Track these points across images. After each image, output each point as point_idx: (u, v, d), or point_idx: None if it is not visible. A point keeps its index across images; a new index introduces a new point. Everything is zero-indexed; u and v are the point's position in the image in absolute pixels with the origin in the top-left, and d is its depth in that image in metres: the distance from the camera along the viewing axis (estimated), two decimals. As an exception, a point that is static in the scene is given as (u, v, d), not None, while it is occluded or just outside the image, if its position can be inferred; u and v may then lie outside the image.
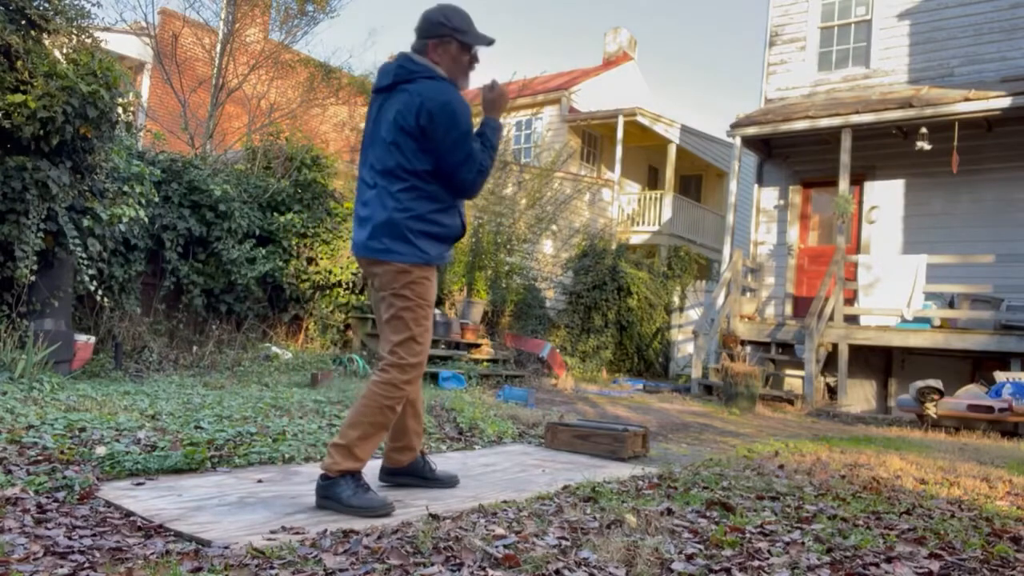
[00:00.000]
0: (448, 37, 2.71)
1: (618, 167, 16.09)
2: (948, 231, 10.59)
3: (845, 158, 10.35)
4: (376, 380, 2.68)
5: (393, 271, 2.68)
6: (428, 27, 2.73)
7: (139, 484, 2.78)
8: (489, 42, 2.79)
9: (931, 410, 7.87)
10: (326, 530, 2.25)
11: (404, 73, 2.70)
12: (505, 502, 2.78)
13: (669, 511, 2.68)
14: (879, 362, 10.78)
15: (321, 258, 9.08)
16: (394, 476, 3.05)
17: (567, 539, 2.23)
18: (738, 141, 11.47)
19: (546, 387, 9.42)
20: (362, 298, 9.18)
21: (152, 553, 1.99)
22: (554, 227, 13.45)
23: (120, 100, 6.15)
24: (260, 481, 2.99)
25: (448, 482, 3.09)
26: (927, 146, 10.02)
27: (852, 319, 10.29)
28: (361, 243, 2.72)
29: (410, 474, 3.05)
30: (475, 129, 2.75)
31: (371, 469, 3.09)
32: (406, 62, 2.73)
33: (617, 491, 3.06)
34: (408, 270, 2.67)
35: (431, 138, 2.62)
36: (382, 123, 2.71)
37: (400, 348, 2.69)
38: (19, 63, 5.58)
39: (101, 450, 3.11)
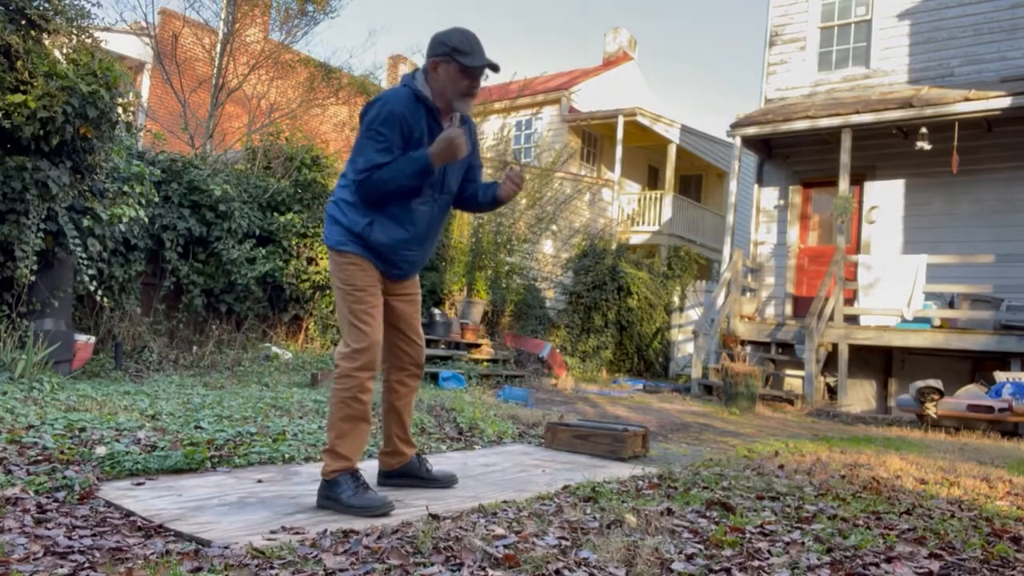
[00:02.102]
0: (447, 57, 2.71)
1: (618, 167, 16.09)
2: (948, 231, 10.59)
3: (845, 158, 10.35)
4: (333, 376, 2.73)
5: (330, 254, 2.83)
6: (432, 46, 2.78)
7: (139, 484, 2.78)
8: (490, 65, 2.74)
9: (931, 410, 7.87)
10: (326, 530, 2.25)
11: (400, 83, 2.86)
12: (505, 502, 2.78)
13: (669, 511, 2.68)
14: (879, 362, 10.78)
15: (321, 258, 9.08)
16: (389, 478, 3.07)
17: (567, 539, 2.23)
18: (738, 141, 11.47)
19: (546, 387, 9.42)
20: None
21: (152, 553, 1.99)
22: (554, 227, 13.45)
23: (120, 100, 6.15)
24: (260, 481, 2.99)
25: (446, 482, 3.10)
26: (927, 146, 10.02)
27: (852, 319, 10.29)
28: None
29: (405, 475, 3.06)
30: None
31: (372, 468, 3.09)
32: (407, 75, 2.84)
33: (617, 491, 3.06)
34: (333, 256, 2.80)
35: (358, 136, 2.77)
36: None
37: (346, 336, 2.73)
38: (19, 63, 5.59)
39: (101, 450, 3.10)
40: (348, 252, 2.75)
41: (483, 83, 2.88)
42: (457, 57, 2.70)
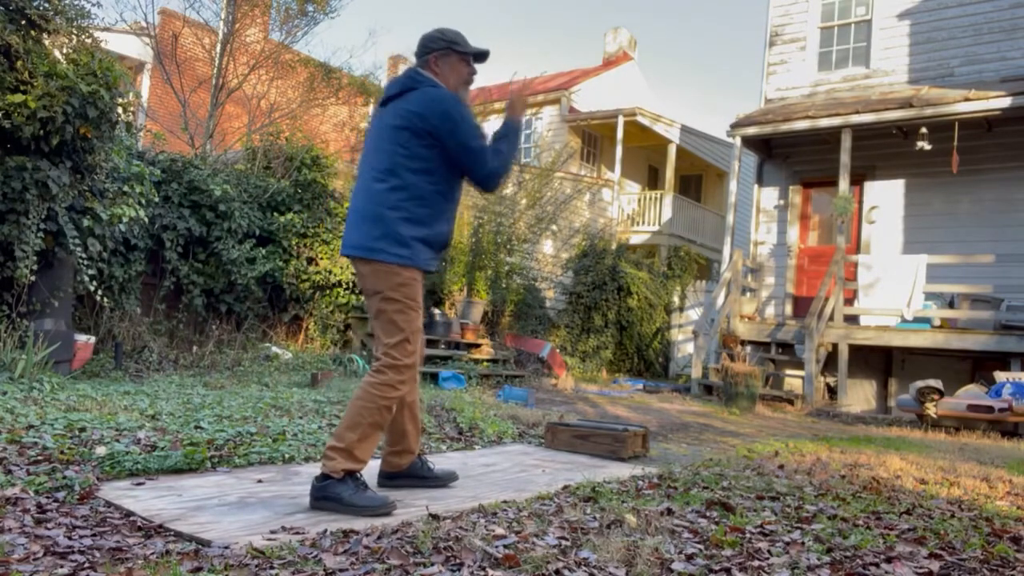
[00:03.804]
0: (447, 49, 2.85)
1: (618, 167, 16.09)
2: (948, 231, 10.59)
3: (845, 158, 10.35)
4: (372, 381, 2.68)
5: (382, 271, 2.70)
6: (427, 43, 2.89)
7: (139, 484, 2.78)
8: (483, 53, 2.92)
9: (931, 410, 7.87)
10: (326, 530, 2.25)
11: (411, 83, 2.82)
12: (505, 502, 2.78)
13: (669, 511, 2.68)
14: (879, 362, 10.78)
15: (321, 258, 9.08)
16: (393, 480, 3.03)
17: (567, 539, 2.23)
18: (738, 141, 11.47)
19: (546, 387, 9.42)
20: (362, 298, 9.18)
21: (152, 553, 1.99)
22: (554, 227, 13.45)
23: (120, 100, 6.15)
24: (260, 481, 2.98)
25: (446, 479, 3.09)
26: (927, 146, 10.02)
27: (852, 319, 10.28)
28: (351, 242, 2.76)
29: (409, 476, 3.05)
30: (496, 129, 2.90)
31: (370, 470, 3.08)
32: (414, 73, 2.86)
33: (617, 491, 3.06)
34: (397, 271, 2.70)
35: (439, 139, 2.71)
36: (386, 128, 2.77)
37: (394, 350, 2.70)
38: (19, 63, 5.58)
39: (101, 450, 3.10)
40: (411, 267, 2.71)
41: (477, 79, 3.00)
42: (456, 48, 2.86)
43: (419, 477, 3.05)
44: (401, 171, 2.70)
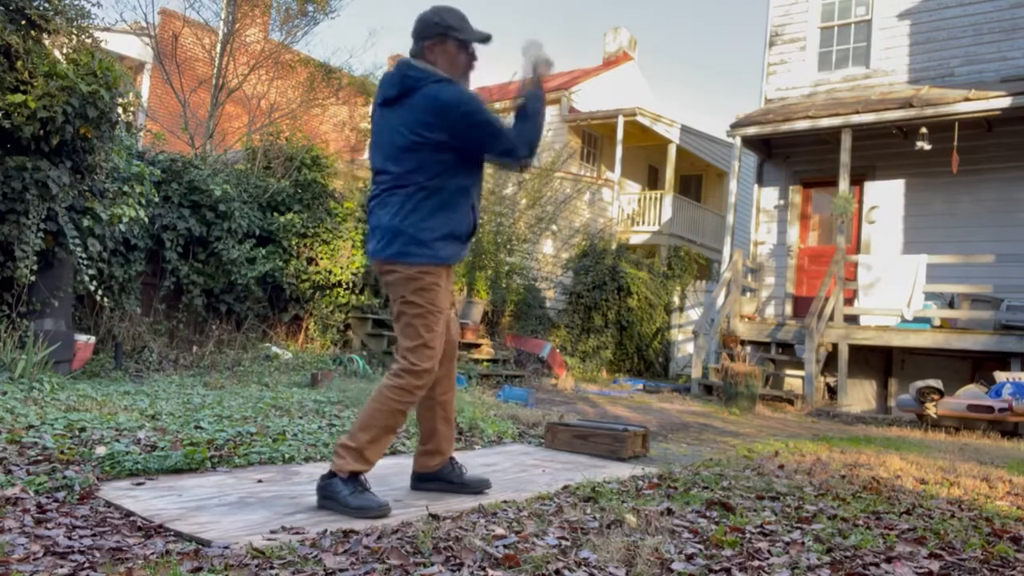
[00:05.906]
0: (444, 36, 2.65)
1: (618, 167, 16.09)
2: (948, 231, 10.59)
3: (845, 158, 10.35)
4: (389, 384, 2.64)
5: (404, 276, 2.63)
6: (423, 28, 2.67)
7: (139, 484, 2.78)
8: (485, 38, 2.71)
9: (931, 410, 7.87)
10: (326, 530, 2.25)
11: (411, 82, 2.63)
12: (505, 502, 2.78)
13: (669, 511, 2.68)
14: (879, 362, 10.78)
15: (321, 258, 9.08)
16: (424, 482, 2.98)
17: (567, 539, 2.23)
18: (738, 141, 11.47)
19: (546, 387, 9.42)
20: (362, 298, 9.19)
21: (152, 553, 1.99)
22: (554, 227, 13.45)
23: (120, 100, 6.15)
24: (260, 481, 2.98)
25: (477, 487, 2.99)
26: (927, 146, 10.02)
27: (852, 319, 10.28)
28: (374, 249, 2.70)
29: (439, 479, 2.98)
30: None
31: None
32: (409, 70, 2.66)
33: (617, 491, 3.06)
34: (404, 272, 2.63)
35: (452, 136, 2.60)
36: (394, 133, 2.65)
37: (413, 355, 2.64)
38: (19, 63, 5.59)
39: (101, 450, 3.10)
40: (427, 266, 2.62)
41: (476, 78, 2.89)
42: (453, 34, 2.64)
43: (448, 482, 2.97)
44: (418, 176, 2.63)
